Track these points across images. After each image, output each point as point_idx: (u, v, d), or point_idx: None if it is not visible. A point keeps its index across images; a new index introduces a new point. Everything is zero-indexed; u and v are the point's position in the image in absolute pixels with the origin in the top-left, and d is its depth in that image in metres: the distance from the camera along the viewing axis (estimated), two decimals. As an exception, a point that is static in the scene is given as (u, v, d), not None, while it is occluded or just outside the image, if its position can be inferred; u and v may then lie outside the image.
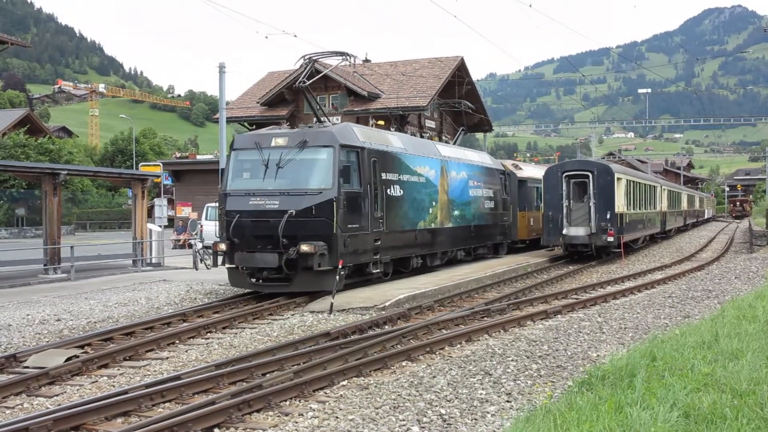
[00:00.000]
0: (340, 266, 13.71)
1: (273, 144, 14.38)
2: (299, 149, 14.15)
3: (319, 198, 13.78)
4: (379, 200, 15.36)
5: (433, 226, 18.32)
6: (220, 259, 14.74)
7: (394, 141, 17.04)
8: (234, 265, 14.30)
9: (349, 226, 14.21)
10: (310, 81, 16.00)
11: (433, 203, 18.39)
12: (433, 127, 39.76)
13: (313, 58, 16.14)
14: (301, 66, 16.38)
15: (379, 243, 15.40)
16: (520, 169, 28.23)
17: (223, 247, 14.28)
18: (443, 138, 40.93)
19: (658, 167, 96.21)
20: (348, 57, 16.15)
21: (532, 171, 30.22)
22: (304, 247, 13.43)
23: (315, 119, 15.87)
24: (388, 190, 15.84)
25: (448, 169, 19.60)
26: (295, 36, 26.66)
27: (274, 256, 13.59)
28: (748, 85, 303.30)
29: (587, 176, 23.50)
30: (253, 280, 14.40)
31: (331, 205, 13.76)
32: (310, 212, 13.65)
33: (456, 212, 19.93)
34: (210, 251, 17.13)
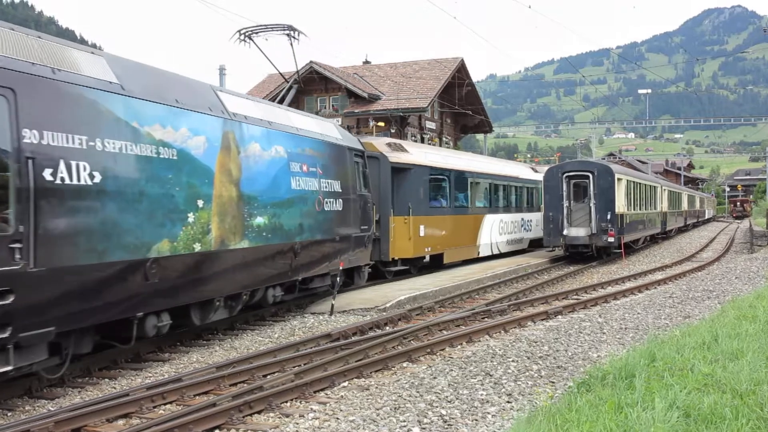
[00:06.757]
0: None
1: None
2: None
3: None
4: (13, 198, 7.14)
5: (198, 248, 9.67)
6: None
7: (81, 61, 8.41)
8: None
9: None
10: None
11: (200, 203, 9.77)
12: (434, 128, 39.80)
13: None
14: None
15: (12, 301, 6.98)
16: (404, 151, 18.82)
17: None
18: (443, 140, 40.95)
19: (659, 167, 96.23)
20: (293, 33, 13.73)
21: (425, 155, 20.11)
22: None
23: None
24: (50, 174, 7.44)
25: (242, 140, 10.98)
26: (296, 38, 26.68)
27: None
28: (748, 85, 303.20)
29: (587, 177, 23.53)
30: None
31: None
32: None
33: (260, 220, 11.24)
34: None
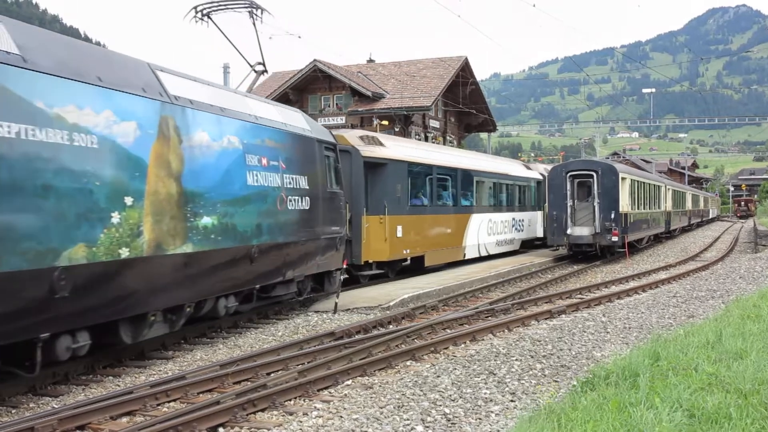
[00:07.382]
0: None
1: None
2: None
3: None
4: None
5: (125, 254, 8.13)
6: None
7: None
8: None
9: None
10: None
11: (128, 201, 8.22)
12: (438, 127, 39.78)
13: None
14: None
15: None
16: (379, 144, 17.34)
17: None
18: (447, 139, 40.94)
19: (663, 167, 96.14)
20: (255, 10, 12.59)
21: (403, 149, 18.55)
22: None
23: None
24: None
25: (185, 127, 9.43)
26: (299, 37, 26.77)
27: None
28: (753, 84, 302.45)
29: (591, 176, 23.53)
30: None
31: None
32: None
33: (207, 220, 9.70)
34: None
